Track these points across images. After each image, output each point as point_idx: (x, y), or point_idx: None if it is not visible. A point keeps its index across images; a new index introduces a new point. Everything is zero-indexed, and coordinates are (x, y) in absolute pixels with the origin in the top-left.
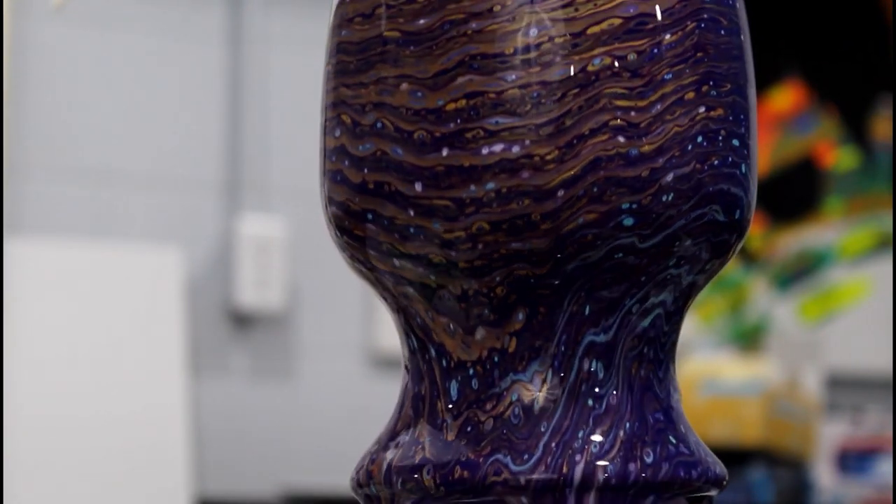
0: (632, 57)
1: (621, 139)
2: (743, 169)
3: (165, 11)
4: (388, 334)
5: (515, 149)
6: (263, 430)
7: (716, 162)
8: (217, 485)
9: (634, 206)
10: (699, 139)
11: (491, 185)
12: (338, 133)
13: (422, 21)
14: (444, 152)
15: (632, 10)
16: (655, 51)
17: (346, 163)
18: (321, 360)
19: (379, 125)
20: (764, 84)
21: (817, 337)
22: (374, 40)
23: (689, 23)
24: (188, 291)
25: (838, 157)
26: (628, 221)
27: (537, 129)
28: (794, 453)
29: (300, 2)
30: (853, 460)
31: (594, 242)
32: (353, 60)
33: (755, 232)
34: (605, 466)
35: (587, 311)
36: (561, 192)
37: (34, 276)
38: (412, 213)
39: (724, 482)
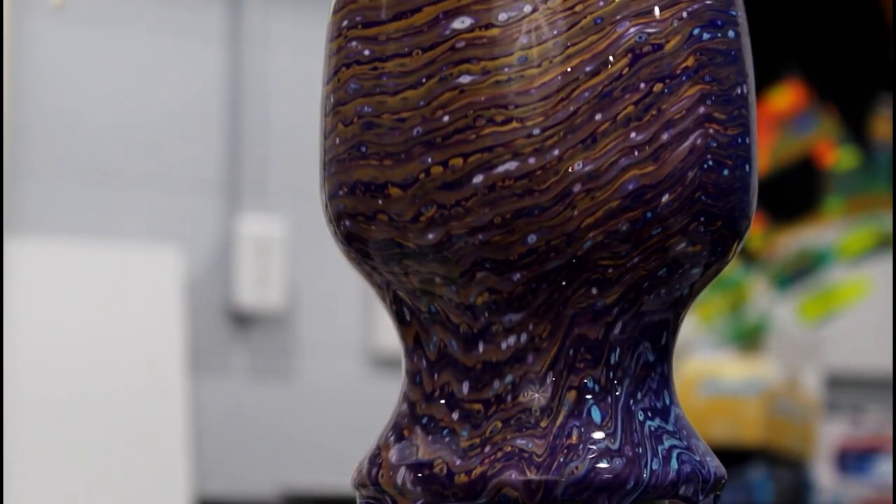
0: (625, 227)
1: (597, 306)
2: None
3: (165, 11)
4: (388, 334)
5: (524, 337)
6: (263, 430)
7: (654, 306)
8: (217, 485)
9: (590, 374)
10: (662, 290)
11: (509, 378)
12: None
13: (431, 236)
14: (481, 348)
15: (631, 186)
16: (649, 215)
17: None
18: (321, 360)
19: (434, 309)
20: (764, 84)
21: (817, 337)
22: (388, 242)
23: (690, 173)
24: (188, 291)
25: (838, 157)
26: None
27: (535, 325)
28: (794, 453)
29: (300, 2)
30: (853, 460)
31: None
32: (377, 254)
33: (755, 232)
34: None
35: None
36: (551, 377)
37: (34, 276)
38: (456, 416)
39: (724, 482)
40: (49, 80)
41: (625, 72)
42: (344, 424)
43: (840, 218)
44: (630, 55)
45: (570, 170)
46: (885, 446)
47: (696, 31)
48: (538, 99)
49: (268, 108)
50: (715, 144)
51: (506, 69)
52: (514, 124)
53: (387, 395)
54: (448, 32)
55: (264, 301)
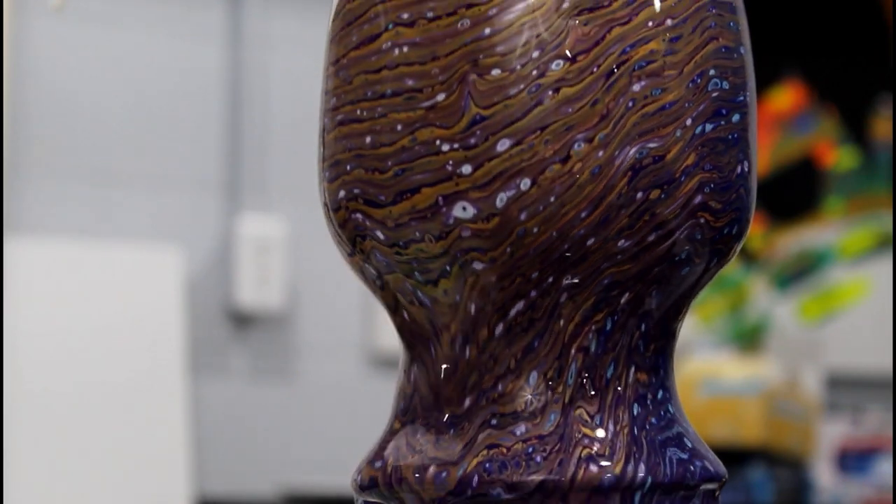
0: (593, 344)
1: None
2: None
3: (165, 11)
4: (388, 334)
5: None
6: (263, 430)
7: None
8: (217, 485)
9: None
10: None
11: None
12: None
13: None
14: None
15: (606, 281)
16: (609, 323)
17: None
18: (321, 360)
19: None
20: (764, 84)
21: (817, 337)
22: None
23: (656, 269)
24: (188, 291)
25: (838, 157)
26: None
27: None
28: (794, 453)
29: (300, 2)
30: (853, 460)
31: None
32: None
33: (755, 232)
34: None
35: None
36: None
37: (34, 276)
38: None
39: (724, 481)
40: (49, 80)
41: (623, 190)
42: (344, 424)
43: (840, 218)
44: (630, 173)
45: (560, 285)
46: (885, 446)
47: (699, 130)
48: (537, 254)
49: (268, 108)
50: (699, 237)
51: (508, 248)
52: (518, 277)
53: (387, 395)
54: (452, 221)
55: (264, 301)
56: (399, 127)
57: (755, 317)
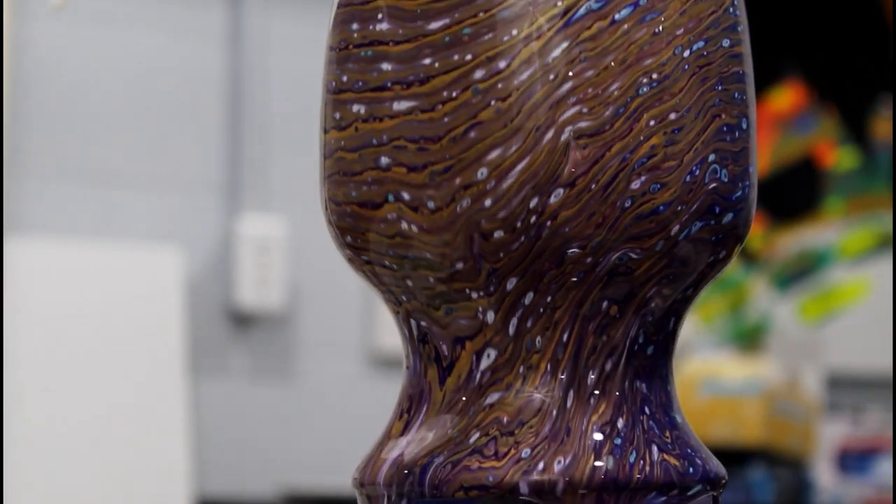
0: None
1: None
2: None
3: (165, 11)
4: (388, 334)
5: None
6: (263, 430)
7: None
8: (217, 485)
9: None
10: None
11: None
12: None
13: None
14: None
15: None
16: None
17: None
18: (321, 360)
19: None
20: (764, 84)
21: (817, 337)
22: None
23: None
24: (188, 291)
25: (838, 157)
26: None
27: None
28: (794, 453)
29: (300, 2)
30: (853, 460)
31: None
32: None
33: (755, 232)
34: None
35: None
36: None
37: (34, 276)
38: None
39: (724, 482)
40: (49, 80)
41: (595, 299)
42: (344, 424)
43: (840, 218)
44: (606, 278)
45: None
46: (885, 446)
47: (682, 236)
48: (523, 400)
49: (268, 108)
50: (650, 318)
51: (522, 362)
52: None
53: (387, 395)
54: (483, 369)
55: (264, 301)
56: (431, 279)
57: (755, 317)
